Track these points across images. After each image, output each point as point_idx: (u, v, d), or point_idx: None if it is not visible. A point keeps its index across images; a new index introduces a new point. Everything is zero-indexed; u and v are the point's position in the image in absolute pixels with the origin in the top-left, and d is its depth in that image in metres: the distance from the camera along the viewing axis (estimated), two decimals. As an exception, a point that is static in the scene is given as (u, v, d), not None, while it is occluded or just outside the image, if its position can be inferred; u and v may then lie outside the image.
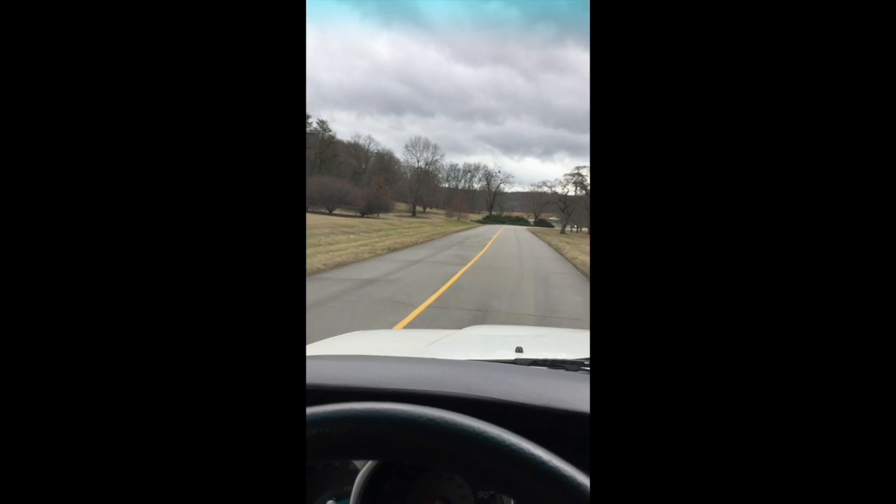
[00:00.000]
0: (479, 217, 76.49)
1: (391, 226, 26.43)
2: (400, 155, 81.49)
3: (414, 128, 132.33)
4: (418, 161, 72.03)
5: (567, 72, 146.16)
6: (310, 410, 0.34)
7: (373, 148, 68.77)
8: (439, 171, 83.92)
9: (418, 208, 71.38)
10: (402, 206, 66.10)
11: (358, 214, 36.50)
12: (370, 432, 0.34)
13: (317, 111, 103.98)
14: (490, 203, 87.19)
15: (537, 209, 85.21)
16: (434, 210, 73.89)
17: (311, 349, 1.10)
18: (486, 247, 15.95)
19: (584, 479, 0.30)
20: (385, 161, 68.29)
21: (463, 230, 30.77)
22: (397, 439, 0.33)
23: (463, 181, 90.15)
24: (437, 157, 73.93)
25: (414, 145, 75.26)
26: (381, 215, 40.29)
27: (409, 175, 68.92)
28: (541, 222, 77.71)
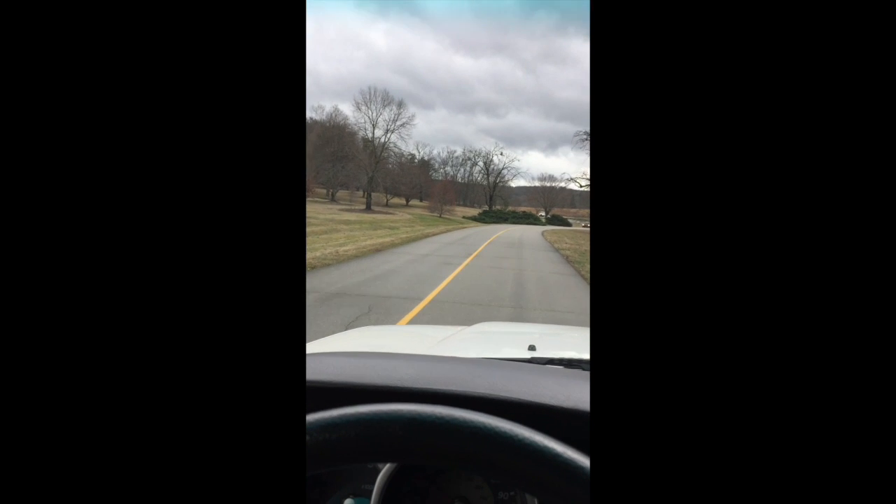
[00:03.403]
0: (476, 212, 57.31)
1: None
2: (350, 114, 55.38)
3: (414, 120, 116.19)
4: (374, 124, 43.75)
5: (568, 63, 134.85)
6: (332, 413, 0.34)
7: (340, 121, 45.04)
8: (434, 160, 67.30)
9: (396, 199, 53.81)
10: (378, 196, 49.71)
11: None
12: (389, 434, 0.34)
13: (318, 101, 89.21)
14: (490, 194, 68.14)
15: (548, 203, 69.81)
16: (418, 203, 56.71)
17: (319, 345, 1.13)
18: None
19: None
20: (343, 133, 43.65)
21: (391, 247, 14.47)
22: (419, 442, 0.33)
23: (462, 170, 73.79)
24: (405, 119, 44.73)
25: (368, 102, 43.64)
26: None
27: (390, 158, 46.17)
28: (555, 219, 60.21)
